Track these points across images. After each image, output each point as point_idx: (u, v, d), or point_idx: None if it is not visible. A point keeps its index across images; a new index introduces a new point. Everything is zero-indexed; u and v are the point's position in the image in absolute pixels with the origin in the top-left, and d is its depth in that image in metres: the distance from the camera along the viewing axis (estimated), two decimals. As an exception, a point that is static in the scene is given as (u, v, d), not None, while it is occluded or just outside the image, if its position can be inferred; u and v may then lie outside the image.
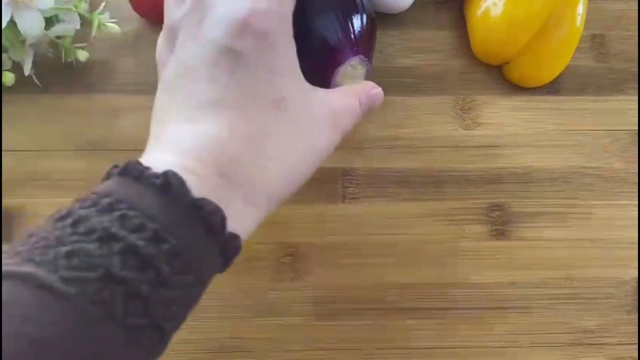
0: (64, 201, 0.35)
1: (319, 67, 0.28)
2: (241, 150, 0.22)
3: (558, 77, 0.39)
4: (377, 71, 0.39)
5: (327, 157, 0.25)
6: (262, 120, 0.22)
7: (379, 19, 0.41)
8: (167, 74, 0.24)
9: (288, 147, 0.23)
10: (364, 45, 0.30)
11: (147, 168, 0.20)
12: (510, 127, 0.38)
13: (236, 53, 0.22)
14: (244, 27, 0.22)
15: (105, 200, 0.19)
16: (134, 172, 0.20)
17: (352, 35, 0.29)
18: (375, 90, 0.28)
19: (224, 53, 0.22)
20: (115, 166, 0.21)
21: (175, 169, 0.20)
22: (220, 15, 0.22)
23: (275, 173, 0.23)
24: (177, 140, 0.22)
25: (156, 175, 0.19)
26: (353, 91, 0.27)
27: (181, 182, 0.19)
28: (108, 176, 0.21)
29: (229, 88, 0.22)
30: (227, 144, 0.21)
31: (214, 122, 0.22)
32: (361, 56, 0.29)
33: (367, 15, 0.30)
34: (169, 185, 0.19)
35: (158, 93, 0.25)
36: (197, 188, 0.20)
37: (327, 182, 0.36)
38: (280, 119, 0.23)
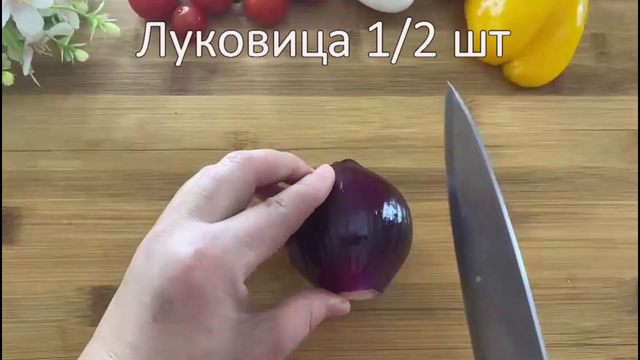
0: (64, 201, 0.35)
1: (325, 278, 0.27)
2: None
3: (559, 76, 0.39)
4: (377, 71, 0.39)
5: None
6: None
7: (379, 19, 0.41)
8: (126, 274, 0.23)
9: None
10: (381, 280, 0.28)
11: None
12: (510, 127, 0.38)
13: (166, 301, 0.21)
14: (182, 279, 0.21)
15: None
16: None
17: (371, 274, 0.27)
18: (342, 305, 0.27)
19: (154, 295, 0.21)
20: None
21: None
22: (166, 255, 0.22)
23: None
24: None
25: None
26: (308, 306, 0.25)
27: None
28: None
29: (149, 339, 0.21)
30: None
31: None
32: (372, 290, 0.27)
33: (397, 251, 0.28)
34: None
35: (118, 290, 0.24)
36: None
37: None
38: None
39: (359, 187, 0.28)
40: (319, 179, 0.27)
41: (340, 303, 0.27)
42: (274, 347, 0.23)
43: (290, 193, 0.25)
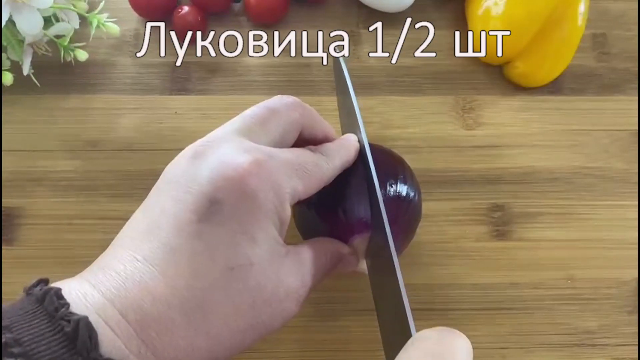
0: (64, 201, 0.35)
1: (337, 227, 0.28)
2: (171, 315, 0.19)
3: (559, 76, 0.39)
4: (377, 71, 0.39)
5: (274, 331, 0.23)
6: (210, 285, 0.20)
7: (379, 19, 0.41)
8: (158, 181, 0.23)
9: (230, 322, 0.20)
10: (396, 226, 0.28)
11: (65, 305, 0.18)
12: (511, 127, 0.38)
13: (215, 202, 0.20)
14: (237, 181, 0.21)
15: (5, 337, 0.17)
16: (50, 307, 0.18)
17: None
18: (350, 256, 0.27)
19: (202, 197, 0.21)
20: (41, 280, 0.20)
21: (94, 316, 0.18)
22: (219, 158, 0.22)
23: (204, 352, 0.20)
24: (115, 275, 0.20)
25: (69, 319, 0.18)
26: (324, 248, 0.26)
27: (90, 336, 0.18)
28: (30, 288, 0.19)
29: (189, 238, 0.20)
30: (159, 300, 0.19)
31: (158, 271, 0.20)
32: None
33: (404, 218, 0.28)
34: (76, 336, 0.17)
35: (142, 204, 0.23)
36: (110, 344, 0.18)
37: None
38: (234, 288, 0.20)
39: (376, 157, 0.29)
40: (349, 141, 0.28)
41: (348, 253, 0.27)
42: (302, 280, 0.23)
43: (329, 145, 0.26)
